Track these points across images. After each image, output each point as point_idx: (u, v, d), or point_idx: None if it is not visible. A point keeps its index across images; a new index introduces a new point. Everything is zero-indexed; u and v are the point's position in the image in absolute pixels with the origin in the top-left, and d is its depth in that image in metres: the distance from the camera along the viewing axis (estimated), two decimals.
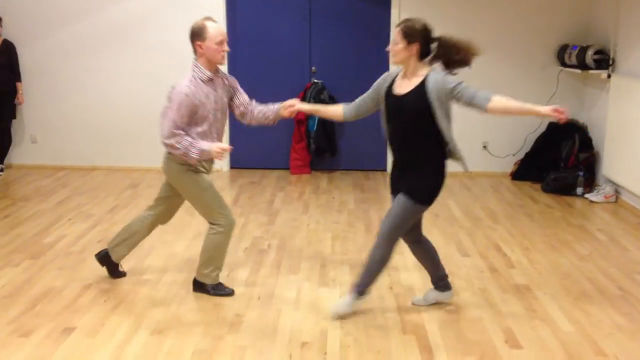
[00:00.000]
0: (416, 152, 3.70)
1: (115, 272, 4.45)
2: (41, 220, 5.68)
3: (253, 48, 7.45)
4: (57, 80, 7.54)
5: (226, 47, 3.91)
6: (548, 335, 3.68)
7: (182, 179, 4.04)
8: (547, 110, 3.49)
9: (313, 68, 7.53)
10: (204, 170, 4.05)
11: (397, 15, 7.25)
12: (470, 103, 3.61)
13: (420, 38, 3.61)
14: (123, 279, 4.42)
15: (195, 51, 3.91)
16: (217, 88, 4.00)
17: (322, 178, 7.41)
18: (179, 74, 7.21)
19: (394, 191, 3.84)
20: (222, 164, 7.66)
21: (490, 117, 7.41)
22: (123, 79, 7.51)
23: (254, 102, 4.23)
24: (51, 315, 3.87)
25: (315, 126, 7.34)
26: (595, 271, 4.67)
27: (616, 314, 3.97)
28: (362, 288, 3.84)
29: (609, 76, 6.63)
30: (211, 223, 4.10)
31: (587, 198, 6.57)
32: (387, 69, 7.39)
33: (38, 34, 7.44)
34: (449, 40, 3.64)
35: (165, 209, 4.30)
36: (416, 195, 3.68)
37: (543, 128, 7.42)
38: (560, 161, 7.03)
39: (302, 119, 7.39)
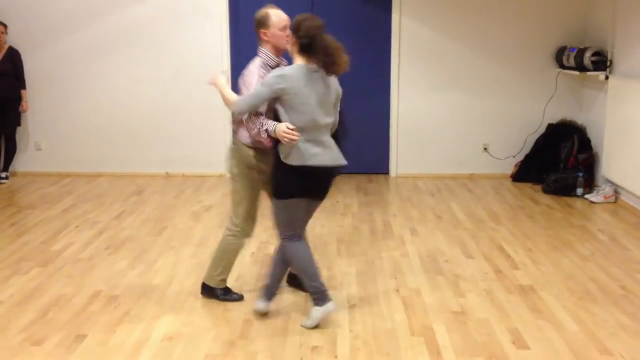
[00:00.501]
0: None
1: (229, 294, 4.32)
2: (48, 227, 5.74)
3: (255, 51, 7.48)
4: (62, 87, 7.60)
5: (288, 32, 3.91)
6: (554, 335, 3.75)
7: (241, 168, 3.99)
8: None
9: None
10: (261, 170, 3.99)
11: (397, 20, 7.32)
12: None
13: (299, 32, 3.72)
14: (132, 287, 4.47)
15: (260, 40, 3.95)
16: None
17: None
18: (184, 79, 7.46)
19: None
20: (226, 169, 7.70)
21: (490, 120, 7.54)
22: (127, 85, 7.57)
23: None
24: (62, 323, 3.92)
25: None
26: (598, 271, 4.73)
27: (620, 313, 4.04)
28: (270, 292, 4.02)
29: (606, 77, 6.71)
30: (233, 225, 4.09)
31: (587, 199, 6.64)
32: (388, 72, 7.51)
33: (42, 41, 7.50)
34: (318, 41, 3.71)
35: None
36: (274, 192, 3.81)
37: (542, 129, 7.49)
38: (559, 162, 7.11)
39: None
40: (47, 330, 3.83)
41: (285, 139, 3.62)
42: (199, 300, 4.25)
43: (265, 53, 3.96)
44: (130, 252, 5.13)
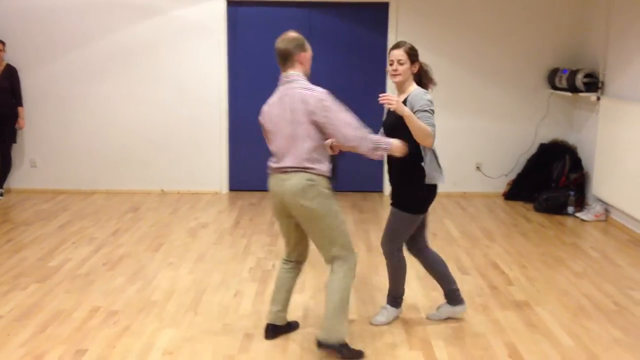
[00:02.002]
0: (400, 164, 3.87)
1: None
2: (44, 244, 5.75)
3: (253, 71, 7.58)
4: (58, 105, 7.64)
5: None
6: (550, 350, 3.81)
7: (326, 205, 3.59)
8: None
9: None
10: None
11: (394, 41, 7.42)
12: None
13: (417, 58, 3.92)
14: (130, 302, 4.49)
15: (293, 63, 3.68)
16: None
17: None
18: (180, 98, 7.53)
19: (392, 203, 4.03)
20: (221, 186, 7.76)
21: (483, 139, 7.64)
22: (124, 104, 7.62)
23: None
24: (62, 338, 3.93)
25: None
26: (591, 287, 4.80)
27: (613, 328, 4.10)
28: (397, 297, 4.20)
29: (598, 99, 6.83)
30: (337, 260, 3.67)
31: (578, 217, 6.73)
32: (384, 90, 7.60)
33: (40, 60, 7.55)
34: (426, 65, 4.01)
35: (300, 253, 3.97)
36: (403, 206, 3.91)
37: (534, 149, 7.60)
38: (551, 181, 7.22)
39: None
40: (48, 345, 3.84)
41: (402, 152, 3.71)
42: (198, 316, 4.28)
43: (303, 78, 3.69)
44: (128, 268, 5.16)
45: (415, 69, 3.90)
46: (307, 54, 3.74)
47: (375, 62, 7.61)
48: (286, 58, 3.69)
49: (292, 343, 3.90)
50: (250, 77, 7.59)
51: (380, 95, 3.68)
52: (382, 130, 4.03)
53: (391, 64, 3.89)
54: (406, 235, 4.03)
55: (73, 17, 7.45)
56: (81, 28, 7.48)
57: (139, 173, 7.76)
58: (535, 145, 7.62)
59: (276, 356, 3.74)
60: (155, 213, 6.87)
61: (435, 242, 5.89)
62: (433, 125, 3.74)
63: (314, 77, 7.68)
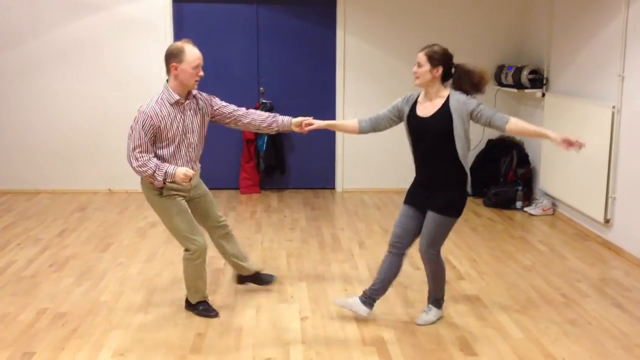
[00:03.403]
0: (442, 170, 3.91)
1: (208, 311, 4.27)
2: None
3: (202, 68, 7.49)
4: None
5: (201, 72, 3.93)
6: (500, 342, 3.86)
7: (153, 203, 4.06)
8: (558, 138, 3.74)
9: (261, 88, 7.65)
10: (178, 193, 4.02)
11: (342, 36, 7.45)
12: (490, 123, 3.84)
13: (443, 62, 3.85)
14: (78, 304, 4.39)
15: (168, 72, 3.90)
16: (187, 111, 3.97)
17: (272, 197, 7.50)
18: (127, 95, 7.39)
19: (414, 204, 4.05)
20: None
21: None
22: (68, 101, 7.44)
23: (243, 110, 4.23)
24: (9, 341, 3.82)
25: (265, 145, 7.44)
26: (539, 280, 4.90)
27: (561, 320, 4.19)
28: (439, 298, 4.18)
29: (543, 95, 6.97)
30: (185, 249, 4.10)
31: (526, 211, 6.87)
32: (333, 88, 7.62)
33: None
34: (466, 66, 3.91)
35: (206, 225, 4.33)
36: (447, 211, 3.90)
37: (482, 145, 7.70)
38: (499, 177, 7.34)
39: (252, 139, 7.49)
40: None
41: (185, 183, 3.92)
42: (149, 315, 4.21)
43: (167, 89, 3.89)
44: (76, 270, 5.04)
45: (437, 73, 3.83)
46: (180, 65, 3.86)
47: (324, 58, 7.61)
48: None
49: (244, 342, 3.86)
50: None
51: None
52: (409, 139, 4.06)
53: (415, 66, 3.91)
54: (444, 239, 4.05)
55: (15, 12, 7.24)
56: (24, 23, 7.26)
57: (85, 172, 7.59)
58: (483, 142, 7.72)
59: (228, 355, 3.70)
60: (103, 213, 6.73)
61: (387, 237, 5.86)
62: (496, 110, 3.85)
63: (263, 74, 7.70)
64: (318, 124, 4.22)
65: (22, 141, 7.50)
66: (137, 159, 3.82)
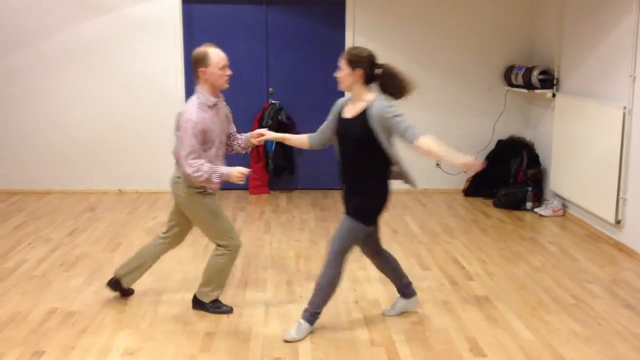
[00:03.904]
0: (360, 174, 3.85)
1: (126, 293, 4.50)
2: None
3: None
4: (11, 104, 7.45)
5: (229, 71, 4.02)
6: (510, 343, 3.85)
7: (192, 202, 4.07)
8: (463, 163, 3.65)
9: (270, 89, 7.66)
10: (213, 193, 4.10)
11: (351, 38, 7.45)
12: (402, 137, 3.78)
13: (363, 64, 3.76)
14: (88, 303, 4.41)
15: (197, 78, 3.99)
16: (220, 113, 4.08)
17: (281, 197, 7.51)
18: (137, 96, 7.43)
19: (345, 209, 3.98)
20: None
21: (442, 136, 7.66)
22: (79, 102, 7.47)
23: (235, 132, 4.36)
24: (19, 340, 3.84)
25: (274, 146, 7.44)
26: (549, 281, 4.88)
27: (572, 321, 4.17)
28: (314, 312, 3.91)
29: (553, 95, 6.94)
30: (218, 245, 4.15)
31: (536, 212, 6.84)
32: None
33: None
34: (391, 69, 3.82)
35: (175, 234, 4.35)
36: (359, 216, 3.83)
37: (492, 145, 7.68)
38: (509, 177, 7.31)
39: None
40: (4, 347, 3.75)
41: (241, 181, 3.96)
42: (158, 315, 4.22)
43: (202, 93, 3.99)
44: (86, 269, 5.06)
45: (357, 75, 3.75)
46: (208, 69, 3.95)
47: (333, 59, 7.52)
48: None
49: (253, 342, 3.87)
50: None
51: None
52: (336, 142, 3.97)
53: None
54: (349, 245, 3.89)
55: (24, 13, 7.28)
56: (34, 25, 7.29)
57: (95, 172, 7.62)
58: (493, 142, 7.70)
59: (237, 354, 3.70)
60: (113, 213, 6.76)
61: (396, 238, 5.92)
62: (412, 125, 3.77)
63: (272, 75, 7.71)
64: (269, 135, 4.23)
65: (33, 142, 7.54)
66: (191, 166, 3.85)
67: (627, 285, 4.80)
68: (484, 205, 7.20)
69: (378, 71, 3.80)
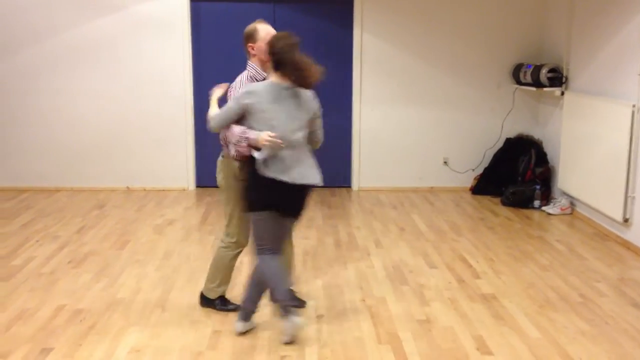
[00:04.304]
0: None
1: (226, 305, 4.33)
2: (7, 242, 5.64)
3: (219, 67, 7.53)
4: (20, 101, 7.49)
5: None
6: (517, 342, 3.84)
7: (228, 181, 4.05)
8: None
9: None
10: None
11: (359, 36, 7.44)
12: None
13: (270, 50, 3.82)
14: (96, 300, 4.43)
15: (247, 53, 4.07)
16: None
17: None
18: (145, 93, 7.44)
19: None
20: (188, 183, 7.70)
21: (450, 134, 7.69)
22: (88, 99, 7.50)
23: None
24: (27, 337, 3.86)
25: None
26: (557, 280, 4.86)
27: (579, 320, 4.16)
28: (247, 311, 3.94)
29: (562, 93, 6.92)
30: (226, 235, 4.15)
31: (544, 210, 6.82)
32: (350, 87, 7.62)
33: (1, 54, 7.42)
34: (291, 55, 3.82)
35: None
36: (244, 203, 3.84)
37: (500, 144, 7.67)
38: (517, 175, 7.29)
39: None
40: (12, 344, 3.77)
41: (267, 144, 3.63)
42: (166, 312, 4.23)
43: (253, 67, 4.06)
44: (94, 266, 5.08)
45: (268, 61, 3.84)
46: (257, 44, 4.04)
47: (341, 56, 7.60)
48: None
49: (259, 340, 3.87)
50: (216, 73, 7.53)
51: None
52: None
53: None
54: (257, 235, 3.86)
55: (33, 12, 7.31)
56: (43, 22, 7.33)
57: (103, 170, 7.65)
58: (501, 140, 7.69)
59: (244, 352, 3.71)
60: (121, 210, 6.78)
61: (403, 236, 5.92)
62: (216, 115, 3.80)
63: None
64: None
65: (41, 140, 7.58)
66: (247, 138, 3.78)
67: (634, 284, 4.78)
68: (491, 203, 7.19)
69: (275, 58, 3.83)
